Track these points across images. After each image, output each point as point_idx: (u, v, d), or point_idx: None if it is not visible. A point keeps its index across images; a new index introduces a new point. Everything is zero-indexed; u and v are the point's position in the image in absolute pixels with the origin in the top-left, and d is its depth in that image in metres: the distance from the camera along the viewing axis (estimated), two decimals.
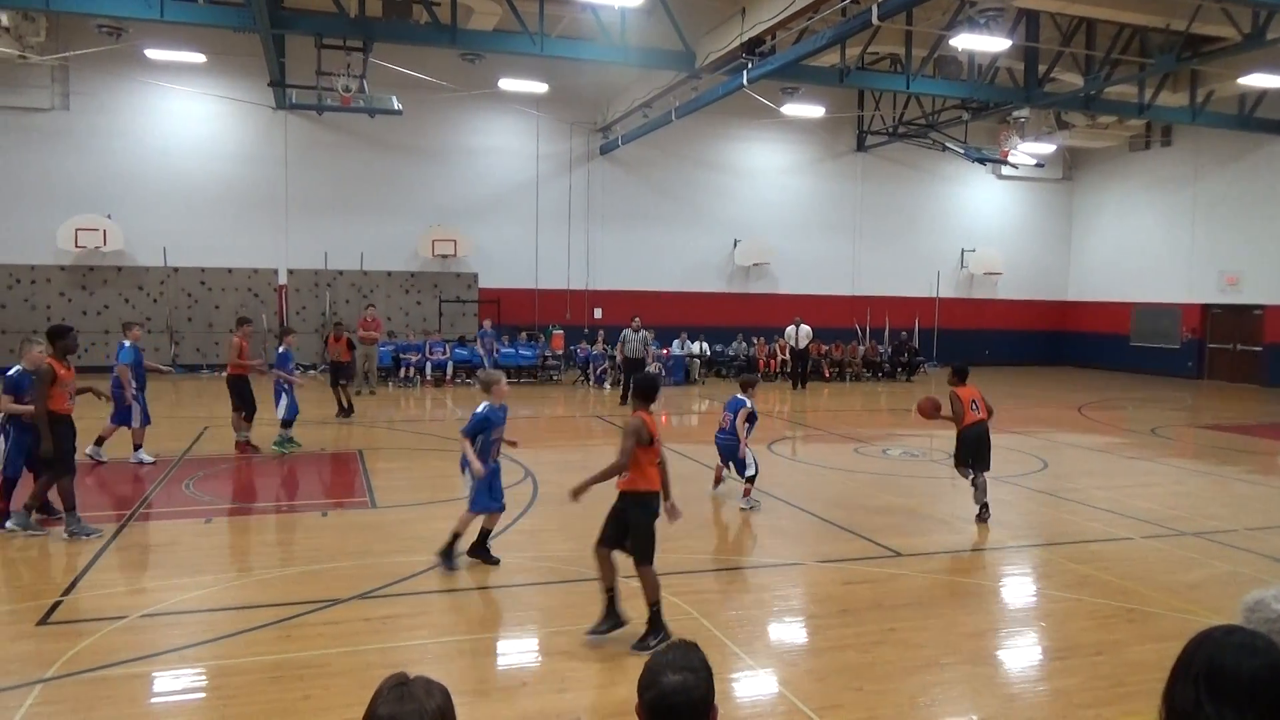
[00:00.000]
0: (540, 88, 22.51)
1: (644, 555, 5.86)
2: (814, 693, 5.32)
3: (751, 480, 9.92)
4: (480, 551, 7.53)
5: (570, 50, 18.56)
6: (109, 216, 22.09)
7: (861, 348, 26.68)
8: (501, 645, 6.20)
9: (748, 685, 5.49)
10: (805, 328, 23.37)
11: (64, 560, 7.54)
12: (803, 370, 23.50)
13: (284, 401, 12.74)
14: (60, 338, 8.56)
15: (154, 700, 5.24)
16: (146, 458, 11.87)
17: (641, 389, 6.23)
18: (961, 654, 5.96)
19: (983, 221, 30.66)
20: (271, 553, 8.02)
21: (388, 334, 23.69)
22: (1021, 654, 6.22)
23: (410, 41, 18.21)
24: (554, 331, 24.82)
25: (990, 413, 9.87)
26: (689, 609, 6.59)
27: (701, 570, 7.66)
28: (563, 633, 6.18)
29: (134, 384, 11.83)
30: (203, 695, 5.33)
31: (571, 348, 24.43)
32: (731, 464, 10.12)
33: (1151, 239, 28.71)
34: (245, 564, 7.60)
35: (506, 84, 22.26)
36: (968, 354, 29.78)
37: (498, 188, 25.57)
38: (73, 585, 6.95)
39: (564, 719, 5.01)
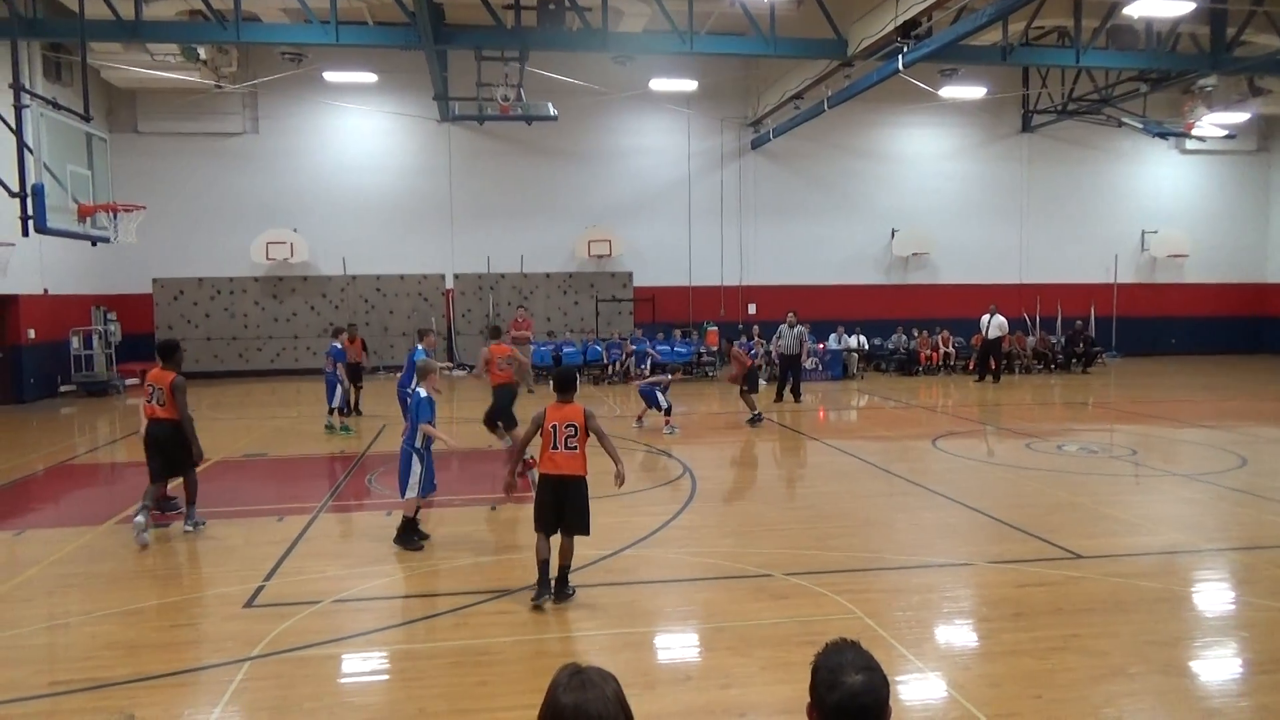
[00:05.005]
0: (690, 85, 22.64)
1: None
2: (989, 698, 5.12)
3: (668, 412, 14.66)
4: None
5: (720, 46, 18.57)
6: (295, 230, 23.85)
7: (1031, 338, 25.32)
8: (665, 639, 6.28)
9: (917, 688, 5.34)
10: (999, 318, 22.11)
11: (265, 549, 8.21)
12: (995, 363, 22.33)
13: (338, 392, 15.01)
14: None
15: (345, 680, 5.63)
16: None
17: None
18: (1152, 664, 5.57)
19: (1165, 200, 28.46)
20: (446, 544, 8.44)
21: (547, 334, 24.43)
22: (1220, 665, 5.76)
23: (564, 48, 18.71)
24: (708, 328, 24.88)
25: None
26: (853, 608, 6.48)
27: (866, 569, 7.51)
28: (725, 629, 6.22)
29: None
30: (388, 677, 5.69)
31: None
32: (651, 406, 14.81)
33: None
34: (423, 554, 8.03)
35: (657, 84, 22.51)
36: (1151, 343, 27.92)
37: (650, 187, 25.87)
38: (273, 571, 7.56)
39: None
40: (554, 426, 6.61)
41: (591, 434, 6.66)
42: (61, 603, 6.93)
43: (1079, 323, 25.66)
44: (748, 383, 15.69)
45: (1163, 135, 25.29)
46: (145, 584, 7.44)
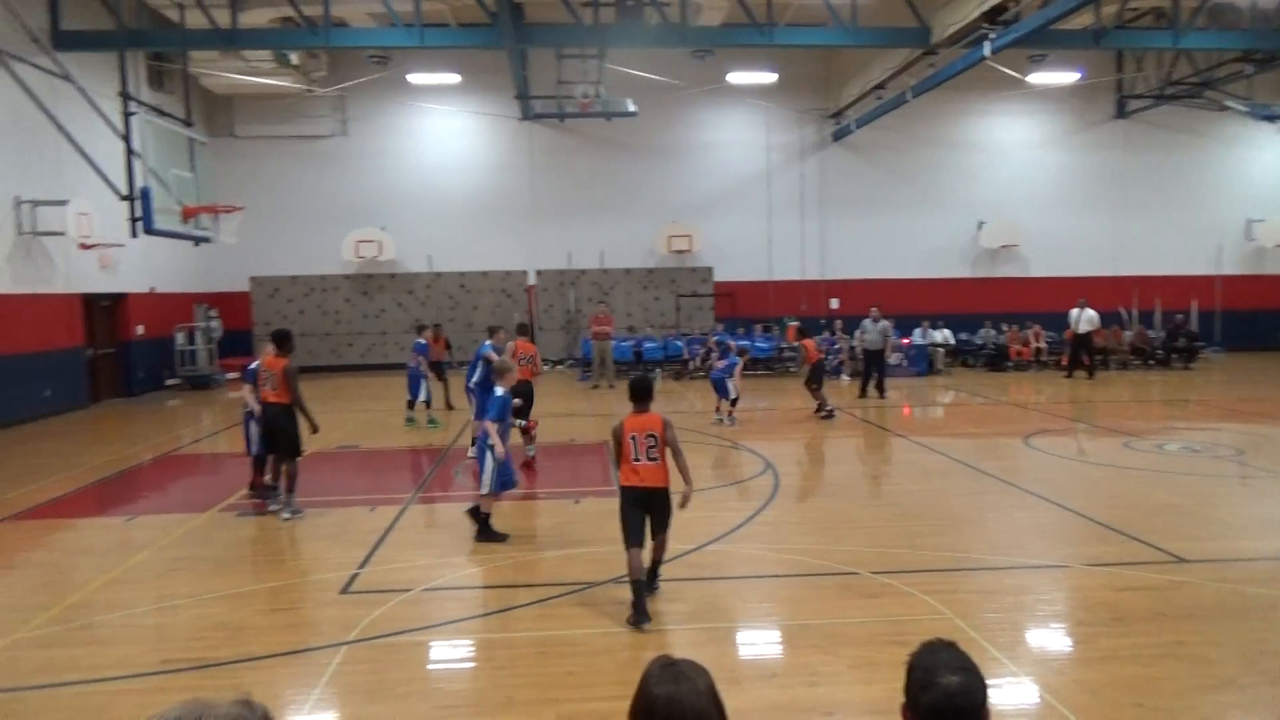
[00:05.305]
0: (769, 78, 22.48)
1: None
2: (1087, 706, 4.96)
3: (734, 402, 14.81)
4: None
5: (800, 37, 18.39)
6: (383, 229, 24.49)
7: (1128, 333, 24.34)
8: (749, 635, 6.26)
9: (1011, 693, 5.21)
10: (1090, 312, 21.16)
11: (358, 537, 8.47)
12: (1088, 358, 21.43)
13: (423, 387, 15.28)
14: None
15: (435, 667, 5.78)
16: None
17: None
18: (1266, 674, 5.31)
19: (1273, 187, 27.00)
20: (531, 537, 8.57)
21: (628, 329, 24.54)
22: None
23: (642, 44, 18.75)
24: (789, 323, 24.64)
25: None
26: (943, 608, 6.35)
27: (956, 569, 7.35)
28: (810, 626, 6.16)
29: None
30: (476, 665, 5.81)
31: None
32: (722, 397, 14.87)
33: None
34: (507, 547, 8.17)
35: (735, 77, 22.40)
36: (1258, 337, 26.56)
37: (729, 181, 25.75)
38: (367, 559, 7.80)
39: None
40: (633, 437, 6.37)
41: (666, 446, 6.39)
42: (170, 585, 7.27)
43: (1179, 316, 24.58)
44: (813, 378, 15.76)
45: (1270, 118, 23.98)
46: (248, 569, 7.76)
